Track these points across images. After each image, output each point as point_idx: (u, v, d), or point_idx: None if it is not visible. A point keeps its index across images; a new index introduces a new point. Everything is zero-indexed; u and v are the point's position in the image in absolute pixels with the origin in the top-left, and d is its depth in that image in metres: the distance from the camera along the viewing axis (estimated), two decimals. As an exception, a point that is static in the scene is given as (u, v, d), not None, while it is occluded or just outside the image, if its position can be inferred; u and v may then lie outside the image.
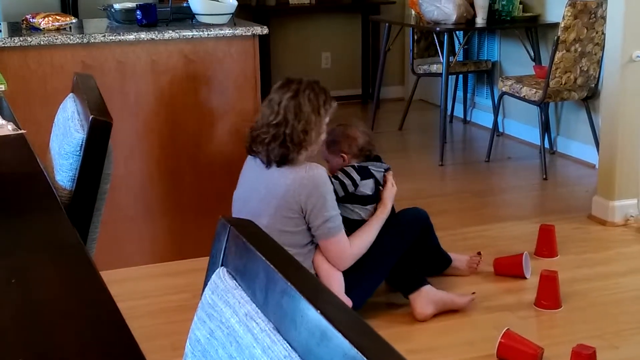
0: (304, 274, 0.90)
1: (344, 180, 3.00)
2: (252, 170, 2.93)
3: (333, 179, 2.98)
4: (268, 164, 2.82)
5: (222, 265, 1.03)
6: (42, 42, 3.25)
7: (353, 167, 3.06)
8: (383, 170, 3.11)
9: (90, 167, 1.83)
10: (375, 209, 3.05)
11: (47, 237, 1.52)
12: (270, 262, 0.91)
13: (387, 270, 3.01)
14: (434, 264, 3.30)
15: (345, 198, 3.02)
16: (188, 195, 3.58)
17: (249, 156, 2.96)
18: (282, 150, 2.76)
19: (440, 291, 3.08)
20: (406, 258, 3.05)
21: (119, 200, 3.43)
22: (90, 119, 1.80)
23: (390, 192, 3.06)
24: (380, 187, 3.07)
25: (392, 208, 3.11)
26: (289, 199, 2.78)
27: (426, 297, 3.00)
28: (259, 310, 0.91)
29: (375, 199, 3.05)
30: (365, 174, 3.05)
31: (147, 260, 3.55)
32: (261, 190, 2.85)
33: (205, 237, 3.48)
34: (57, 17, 3.43)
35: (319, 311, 0.80)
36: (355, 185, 3.01)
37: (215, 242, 1.04)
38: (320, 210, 2.79)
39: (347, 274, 2.95)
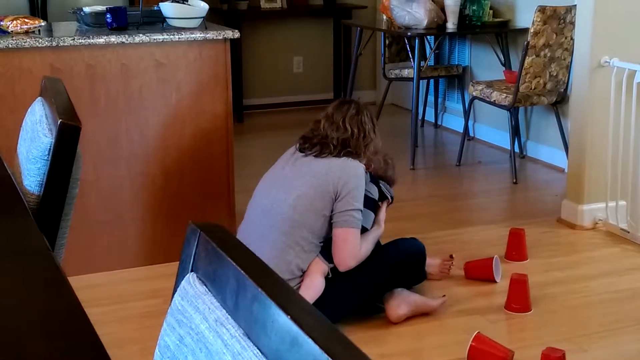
0: (275, 280, 0.90)
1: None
2: (294, 157, 3.05)
3: None
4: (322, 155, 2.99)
5: (192, 270, 1.02)
6: (10, 45, 3.22)
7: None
8: (389, 192, 3.23)
9: (58, 171, 1.81)
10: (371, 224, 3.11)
11: (14, 243, 1.50)
12: (241, 268, 0.91)
13: (373, 291, 3.03)
14: (411, 282, 3.29)
15: None
16: (158, 200, 3.56)
17: (291, 149, 3.11)
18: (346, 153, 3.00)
19: (413, 293, 3.09)
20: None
21: (88, 205, 3.40)
22: (58, 123, 1.78)
23: (383, 215, 3.16)
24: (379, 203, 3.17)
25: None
26: (328, 179, 2.92)
27: (399, 298, 3.01)
28: (229, 316, 0.91)
29: (374, 207, 3.11)
30: (372, 179, 3.16)
31: (117, 265, 3.52)
32: (302, 170, 2.98)
33: (176, 242, 3.47)
34: (26, 20, 3.40)
35: (289, 317, 0.80)
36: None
37: (185, 247, 1.04)
38: (351, 198, 2.91)
39: (332, 288, 2.94)
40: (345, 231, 2.91)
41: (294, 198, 2.92)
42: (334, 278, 2.96)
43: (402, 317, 3.01)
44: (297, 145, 3.08)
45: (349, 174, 2.93)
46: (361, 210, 2.95)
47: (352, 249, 2.93)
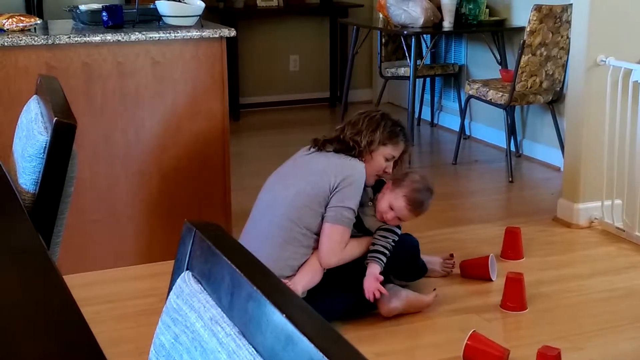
0: (270, 278, 0.90)
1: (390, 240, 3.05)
2: (300, 153, 3.12)
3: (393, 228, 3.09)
4: (320, 149, 3.04)
5: (187, 269, 1.02)
6: (5, 43, 3.21)
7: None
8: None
9: (54, 170, 1.81)
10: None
11: (9, 241, 1.50)
12: (236, 266, 0.90)
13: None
14: (410, 275, 3.30)
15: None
16: (154, 198, 3.56)
17: (304, 147, 3.15)
18: (337, 146, 3.02)
19: (405, 289, 3.08)
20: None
21: (83, 204, 3.39)
22: (54, 121, 1.77)
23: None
24: None
25: None
26: (324, 175, 2.93)
27: (391, 293, 3.01)
28: (224, 315, 0.91)
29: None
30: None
31: (112, 264, 3.52)
32: (303, 166, 3.02)
33: (171, 240, 3.46)
34: (22, 18, 3.39)
35: (284, 315, 0.80)
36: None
37: (180, 245, 1.04)
38: (344, 195, 2.91)
39: (327, 286, 2.95)
40: (331, 227, 2.91)
41: (292, 195, 2.94)
42: (329, 273, 2.96)
43: (393, 312, 3.00)
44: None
45: (346, 172, 2.94)
46: (353, 210, 2.93)
47: (334, 245, 2.93)
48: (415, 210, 3.08)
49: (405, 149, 3.17)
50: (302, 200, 2.93)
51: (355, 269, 2.98)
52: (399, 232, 3.10)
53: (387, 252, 3.00)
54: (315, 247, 2.96)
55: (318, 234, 2.95)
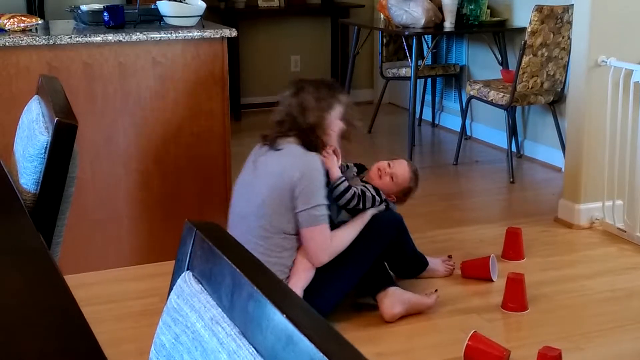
0: (271, 278, 0.90)
1: (374, 196, 3.08)
2: (256, 155, 3.04)
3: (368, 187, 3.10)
4: (271, 147, 2.96)
5: (188, 269, 1.02)
6: (7, 44, 3.21)
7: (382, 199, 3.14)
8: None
9: (55, 170, 1.81)
10: None
11: (10, 241, 1.50)
12: (237, 266, 0.91)
13: (360, 273, 3.01)
14: (411, 268, 3.31)
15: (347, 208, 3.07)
16: (155, 198, 3.56)
17: (257, 145, 3.07)
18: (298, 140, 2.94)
19: (407, 292, 3.08)
20: (376, 260, 3.06)
21: (84, 204, 3.39)
22: (55, 121, 1.77)
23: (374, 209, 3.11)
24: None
25: None
26: (284, 177, 2.86)
27: (393, 297, 3.01)
28: (224, 315, 0.91)
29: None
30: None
31: (113, 264, 3.52)
32: (262, 171, 2.95)
33: (172, 240, 3.46)
34: (23, 18, 3.39)
35: (285, 315, 0.80)
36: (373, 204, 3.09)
37: (181, 245, 1.04)
38: (308, 195, 2.85)
39: (318, 276, 2.94)
40: (310, 230, 2.88)
41: (259, 204, 2.89)
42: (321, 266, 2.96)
43: (396, 316, 3.00)
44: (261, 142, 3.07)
45: (301, 170, 2.86)
46: (323, 205, 2.89)
47: (319, 246, 2.90)
48: (412, 171, 3.20)
49: (348, 101, 3.07)
50: (270, 207, 2.88)
51: (348, 251, 2.97)
52: (382, 195, 3.13)
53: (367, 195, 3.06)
54: (299, 246, 2.94)
55: (298, 233, 2.92)
